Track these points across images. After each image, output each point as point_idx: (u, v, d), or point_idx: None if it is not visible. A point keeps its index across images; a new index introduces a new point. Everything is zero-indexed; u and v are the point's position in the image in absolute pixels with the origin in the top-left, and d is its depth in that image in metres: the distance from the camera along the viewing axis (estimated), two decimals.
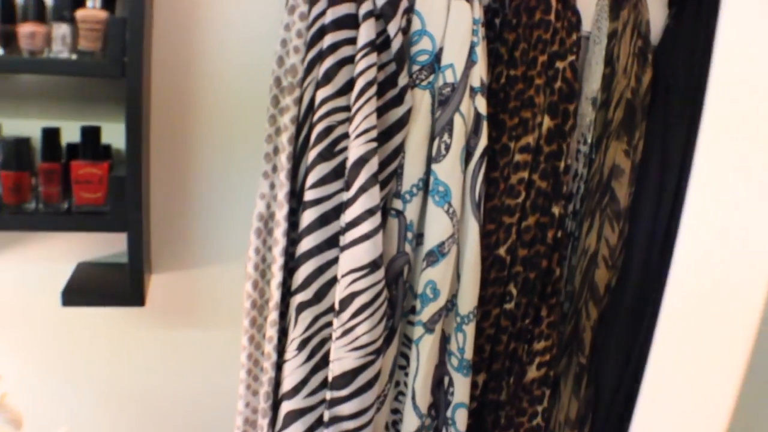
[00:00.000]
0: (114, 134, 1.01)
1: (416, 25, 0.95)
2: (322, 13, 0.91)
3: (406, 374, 1.03)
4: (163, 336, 1.19)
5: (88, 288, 1.01)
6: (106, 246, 1.12)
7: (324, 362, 0.96)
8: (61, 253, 1.11)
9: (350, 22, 0.90)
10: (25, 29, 0.88)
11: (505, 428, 1.10)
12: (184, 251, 1.16)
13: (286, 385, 0.95)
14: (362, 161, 0.89)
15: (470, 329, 1.00)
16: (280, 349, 0.96)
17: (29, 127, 0.98)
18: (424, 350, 0.98)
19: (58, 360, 1.16)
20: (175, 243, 1.15)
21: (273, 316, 0.94)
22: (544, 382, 1.09)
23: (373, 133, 0.90)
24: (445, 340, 1.02)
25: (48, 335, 1.15)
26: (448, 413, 1.03)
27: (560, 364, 1.12)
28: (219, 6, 1.07)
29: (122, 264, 1.09)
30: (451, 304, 1.01)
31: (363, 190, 0.89)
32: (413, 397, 0.99)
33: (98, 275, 1.06)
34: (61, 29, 0.89)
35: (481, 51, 0.96)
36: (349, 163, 0.90)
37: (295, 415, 0.95)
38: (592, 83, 1.07)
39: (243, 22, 1.08)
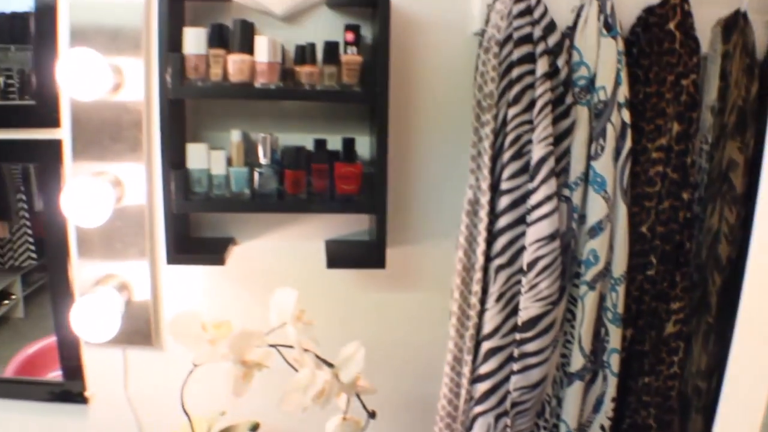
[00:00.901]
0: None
1: (576, 57, 1.25)
2: (510, 53, 1.22)
3: (572, 326, 1.31)
4: (391, 295, 1.52)
5: (342, 256, 1.34)
6: (344, 227, 1.46)
7: (514, 311, 1.25)
8: (312, 233, 1.45)
9: (529, 58, 1.21)
10: (306, 69, 1.22)
11: (648, 374, 1.35)
12: (408, 230, 1.49)
13: (486, 328, 1.25)
14: (543, 160, 1.20)
15: (621, 289, 1.28)
16: (482, 301, 1.27)
17: (292, 139, 1.31)
18: (588, 303, 1.26)
19: (321, 311, 1.44)
20: (401, 224, 1.48)
21: (478, 275, 1.25)
22: (679, 336, 1.34)
23: (551, 139, 1.20)
24: (602, 299, 1.30)
25: (312, 293, 1.44)
26: (605, 357, 1.31)
27: (692, 324, 1.37)
28: (428, 50, 1.42)
29: (358, 240, 1.44)
30: (606, 270, 1.29)
31: (544, 181, 1.20)
32: (579, 341, 1.28)
33: (344, 248, 1.40)
34: (330, 69, 1.23)
35: (624, 75, 1.25)
36: (533, 162, 1.21)
37: (492, 352, 1.25)
38: (711, 94, 1.32)
39: (444, 59, 1.42)
